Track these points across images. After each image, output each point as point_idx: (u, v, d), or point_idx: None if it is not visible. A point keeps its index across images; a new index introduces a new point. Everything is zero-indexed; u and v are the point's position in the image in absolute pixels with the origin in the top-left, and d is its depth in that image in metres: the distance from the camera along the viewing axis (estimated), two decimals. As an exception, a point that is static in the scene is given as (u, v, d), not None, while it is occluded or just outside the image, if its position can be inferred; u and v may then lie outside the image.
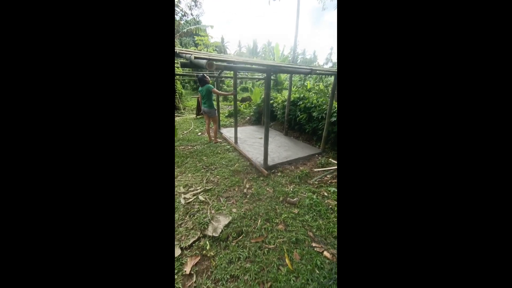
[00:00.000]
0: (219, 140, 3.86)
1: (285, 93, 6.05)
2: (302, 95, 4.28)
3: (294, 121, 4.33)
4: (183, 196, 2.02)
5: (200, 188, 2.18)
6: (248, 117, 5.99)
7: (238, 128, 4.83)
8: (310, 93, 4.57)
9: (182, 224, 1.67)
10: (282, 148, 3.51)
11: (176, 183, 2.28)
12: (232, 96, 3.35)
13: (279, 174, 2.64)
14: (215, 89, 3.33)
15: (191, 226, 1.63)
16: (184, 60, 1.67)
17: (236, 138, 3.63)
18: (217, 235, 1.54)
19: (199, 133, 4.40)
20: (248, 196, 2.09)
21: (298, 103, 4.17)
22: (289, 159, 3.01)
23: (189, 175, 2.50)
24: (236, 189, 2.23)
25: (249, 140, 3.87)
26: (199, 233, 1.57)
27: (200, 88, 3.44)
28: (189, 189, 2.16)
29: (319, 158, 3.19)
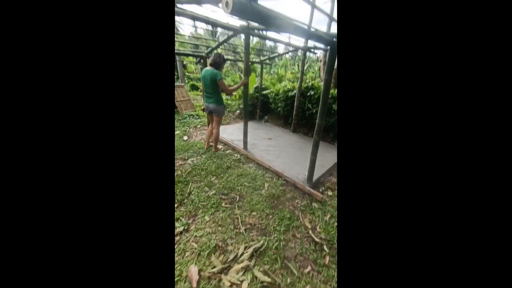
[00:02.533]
0: (219, 147, 2.82)
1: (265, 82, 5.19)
2: (311, 84, 3.59)
3: (302, 114, 3.67)
4: (224, 279, 1.07)
5: (243, 250, 1.26)
6: (238, 111, 4.95)
7: (230, 126, 3.83)
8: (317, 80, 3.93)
9: None
10: (305, 152, 2.80)
11: (195, 244, 1.27)
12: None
13: (330, 193, 1.94)
14: (223, 82, 2.22)
15: None
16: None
17: (246, 142, 2.68)
18: None
19: (185, 137, 3.20)
20: (324, 247, 1.32)
21: (309, 93, 3.47)
22: (327, 168, 2.33)
23: (206, 217, 1.51)
24: (298, 236, 1.41)
25: (259, 144, 2.98)
26: None
27: (203, 73, 2.26)
28: (228, 259, 1.20)
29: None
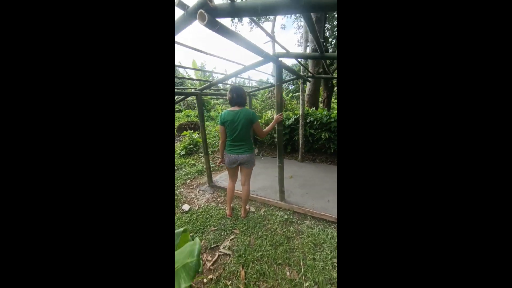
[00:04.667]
0: (248, 208, 2.02)
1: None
2: (306, 111, 3.48)
3: (305, 141, 3.43)
4: None
5: None
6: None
7: (226, 173, 3.05)
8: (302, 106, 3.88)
9: None
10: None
11: None
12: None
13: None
14: (259, 124, 1.62)
15: None
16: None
17: (283, 192, 2.04)
18: None
19: (185, 206, 2.17)
20: None
21: (308, 120, 3.32)
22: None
23: None
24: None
25: (289, 187, 2.39)
26: None
27: (230, 116, 1.56)
28: None
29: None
